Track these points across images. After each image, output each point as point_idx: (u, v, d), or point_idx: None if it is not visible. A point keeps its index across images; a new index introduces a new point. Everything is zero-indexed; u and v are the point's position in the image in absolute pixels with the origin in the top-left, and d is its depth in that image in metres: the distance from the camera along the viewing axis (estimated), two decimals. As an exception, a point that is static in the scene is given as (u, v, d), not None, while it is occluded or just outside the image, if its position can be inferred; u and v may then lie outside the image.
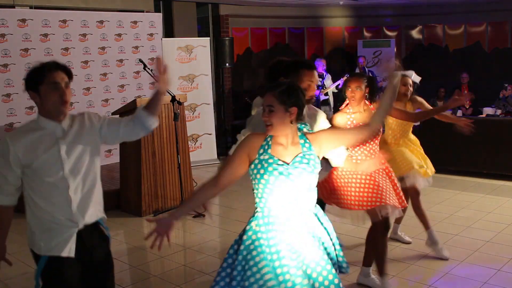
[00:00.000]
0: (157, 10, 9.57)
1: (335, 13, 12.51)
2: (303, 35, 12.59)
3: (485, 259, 4.27)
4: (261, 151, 2.29)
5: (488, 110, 9.66)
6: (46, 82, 2.37)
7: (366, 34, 13.12)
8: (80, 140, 2.45)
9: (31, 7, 7.54)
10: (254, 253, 2.23)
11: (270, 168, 2.25)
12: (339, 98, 9.66)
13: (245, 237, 2.29)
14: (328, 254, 2.32)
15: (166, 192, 6.06)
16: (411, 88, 4.20)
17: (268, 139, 2.32)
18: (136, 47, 7.94)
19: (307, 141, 2.34)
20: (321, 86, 9.05)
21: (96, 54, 7.55)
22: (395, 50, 12.42)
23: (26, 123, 2.51)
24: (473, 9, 11.87)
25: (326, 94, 9.23)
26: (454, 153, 7.08)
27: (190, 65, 8.37)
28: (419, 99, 4.46)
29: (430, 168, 4.42)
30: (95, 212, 2.51)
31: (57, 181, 2.38)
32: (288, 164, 2.26)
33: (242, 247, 2.27)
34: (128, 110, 5.94)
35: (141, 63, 5.93)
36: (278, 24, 12.13)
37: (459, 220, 5.28)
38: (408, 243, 4.64)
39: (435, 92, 10.30)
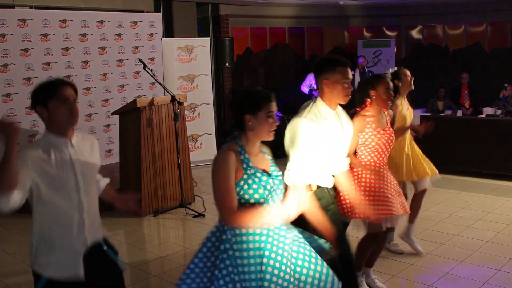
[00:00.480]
0: (157, 10, 9.57)
1: (335, 13, 12.52)
2: (303, 35, 12.59)
3: (485, 259, 4.27)
4: (244, 166, 2.28)
5: (488, 110, 9.67)
6: (56, 97, 2.37)
7: (366, 34, 13.13)
8: (89, 160, 2.48)
9: (31, 7, 7.55)
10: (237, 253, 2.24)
11: (262, 183, 2.27)
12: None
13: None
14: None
15: (166, 192, 6.05)
16: (392, 93, 3.69)
17: (242, 151, 2.32)
18: (136, 47, 7.94)
19: (266, 152, 2.45)
20: None
21: (96, 54, 7.55)
22: (395, 50, 12.42)
23: (36, 141, 2.47)
24: (473, 9, 11.88)
25: None
26: (454, 153, 7.08)
27: (190, 65, 8.37)
28: (397, 108, 4.21)
29: (431, 169, 4.43)
30: (100, 233, 2.53)
31: (72, 203, 2.36)
32: (270, 174, 2.32)
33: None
34: (128, 110, 5.95)
35: (141, 63, 5.93)
36: (278, 24, 12.13)
37: (459, 220, 5.28)
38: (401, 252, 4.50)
39: (435, 92, 10.30)
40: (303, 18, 12.32)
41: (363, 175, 3.49)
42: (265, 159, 2.38)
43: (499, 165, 6.85)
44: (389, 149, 3.58)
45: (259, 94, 2.35)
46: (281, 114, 9.13)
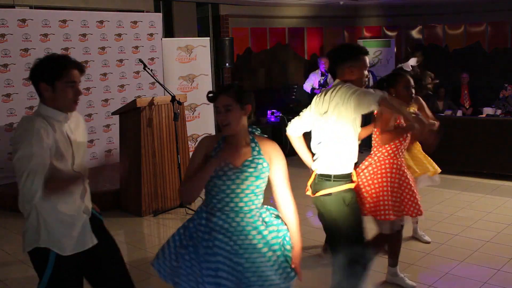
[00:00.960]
0: (157, 10, 9.56)
1: (336, 13, 12.51)
2: (303, 35, 12.59)
3: (485, 259, 4.27)
4: (213, 153, 2.40)
5: (488, 110, 9.66)
6: (64, 79, 2.37)
7: (366, 34, 13.12)
8: (79, 135, 2.55)
9: (31, 7, 7.54)
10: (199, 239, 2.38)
11: (220, 172, 2.35)
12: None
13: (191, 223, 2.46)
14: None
15: (166, 192, 6.06)
16: (413, 90, 3.78)
17: (221, 141, 2.43)
18: (136, 47, 7.94)
19: (258, 145, 2.44)
20: (324, 85, 9.04)
21: (96, 54, 7.55)
22: (395, 50, 12.42)
23: (34, 114, 2.52)
24: (473, 9, 11.87)
25: None
26: (454, 153, 7.08)
27: (190, 65, 8.37)
28: (421, 100, 4.35)
29: (434, 167, 4.45)
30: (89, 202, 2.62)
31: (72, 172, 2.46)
32: (238, 167, 2.35)
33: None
34: (128, 110, 5.95)
35: (141, 63, 5.93)
36: (278, 24, 12.13)
37: (459, 220, 5.28)
38: (427, 242, 4.63)
39: (435, 92, 10.30)
40: (303, 18, 12.31)
41: (380, 171, 3.49)
42: (244, 154, 2.40)
43: (499, 165, 6.85)
44: (405, 147, 3.58)
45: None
46: (281, 114, 9.15)
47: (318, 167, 3.09)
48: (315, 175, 3.11)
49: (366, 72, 3.07)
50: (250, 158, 2.39)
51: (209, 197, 2.43)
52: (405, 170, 3.58)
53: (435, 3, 12.08)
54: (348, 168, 3.07)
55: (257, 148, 2.43)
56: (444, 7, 12.19)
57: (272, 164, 2.45)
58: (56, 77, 2.35)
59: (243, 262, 2.30)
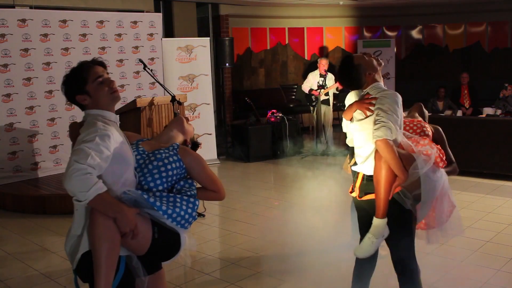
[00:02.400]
0: (157, 10, 9.58)
1: (335, 13, 12.52)
2: (303, 35, 12.60)
3: (485, 259, 4.27)
4: (135, 142, 2.64)
5: (488, 110, 9.66)
6: (90, 80, 2.40)
7: (366, 34, 13.13)
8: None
9: (31, 7, 7.55)
10: None
11: (134, 153, 2.55)
12: (339, 98, 9.67)
13: None
14: None
15: (166, 192, 6.05)
16: None
17: (150, 139, 2.73)
18: (136, 47, 7.94)
19: (178, 147, 2.63)
20: (323, 86, 9.01)
21: (96, 54, 7.55)
22: (395, 50, 12.42)
23: (91, 120, 2.37)
24: (473, 9, 11.89)
25: (327, 94, 9.20)
26: (454, 153, 7.07)
27: (190, 65, 8.37)
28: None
29: None
30: None
31: (132, 175, 2.43)
32: (148, 152, 2.57)
33: None
34: (128, 110, 5.95)
35: (141, 63, 5.92)
36: (278, 24, 12.14)
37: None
38: None
39: (435, 92, 10.30)
40: (303, 18, 12.32)
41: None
42: (159, 146, 2.65)
43: (499, 165, 6.85)
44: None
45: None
46: (281, 114, 9.15)
47: (366, 169, 2.98)
48: (363, 176, 2.99)
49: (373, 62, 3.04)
50: (162, 149, 2.61)
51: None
52: None
53: (435, 3, 12.09)
54: None
55: (174, 147, 2.64)
56: (444, 7, 12.20)
57: (187, 167, 2.62)
58: (83, 84, 2.39)
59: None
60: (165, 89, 6.23)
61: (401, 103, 2.90)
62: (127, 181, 2.38)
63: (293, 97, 12.04)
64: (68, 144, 7.30)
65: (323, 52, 12.75)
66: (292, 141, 8.78)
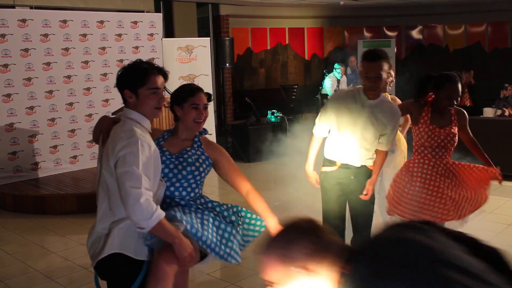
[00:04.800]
0: (157, 10, 9.57)
1: (336, 13, 12.52)
2: (303, 35, 12.60)
3: (485, 259, 4.27)
4: (156, 142, 2.53)
5: (488, 110, 9.65)
6: (146, 86, 2.38)
7: (366, 34, 13.13)
8: None
9: (31, 7, 7.55)
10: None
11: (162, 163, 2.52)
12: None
13: None
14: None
15: (166, 192, 6.05)
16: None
17: (166, 133, 2.64)
18: (136, 47, 7.94)
19: (200, 141, 2.62)
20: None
21: (96, 54, 7.55)
22: (395, 50, 12.42)
23: (127, 123, 2.37)
24: (473, 9, 11.88)
25: None
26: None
27: (190, 65, 8.37)
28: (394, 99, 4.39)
29: None
30: None
31: (162, 191, 2.47)
32: (173, 154, 2.53)
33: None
34: (128, 110, 5.95)
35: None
36: (278, 24, 12.14)
37: (458, 221, 5.27)
38: None
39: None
40: (303, 18, 12.32)
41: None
42: (183, 145, 2.58)
43: (500, 165, 6.84)
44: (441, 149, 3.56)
45: (183, 87, 2.67)
46: (281, 114, 9.14)
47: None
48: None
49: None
50: (188, 148, 2.57)
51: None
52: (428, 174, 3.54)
53: (435, 3, 12.08)
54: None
55: (198, 143, 2.62)
56: (444, 7, 12.19)
57: (214, 161, 2.63)
58: (139, 85, 2.37)
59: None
60: (165, 89, 6.23)
61: None
62: (160, 197, 2.41)
63: (294, 97, 12.04)
64: (68, 144, 7.32)
65: (323, 52, 12.75)
66: (292, 141, 8.78)
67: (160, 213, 2.14)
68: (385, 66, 3.11)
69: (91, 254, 2.37)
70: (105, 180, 2.30)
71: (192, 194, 2.51)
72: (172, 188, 2.48)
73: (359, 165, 3.37)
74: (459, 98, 3.39)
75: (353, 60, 10.57)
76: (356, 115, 3.22)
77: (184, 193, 2.49)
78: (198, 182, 2.55)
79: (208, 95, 2.65)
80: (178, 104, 2.57)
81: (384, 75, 3.12)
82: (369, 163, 3.40)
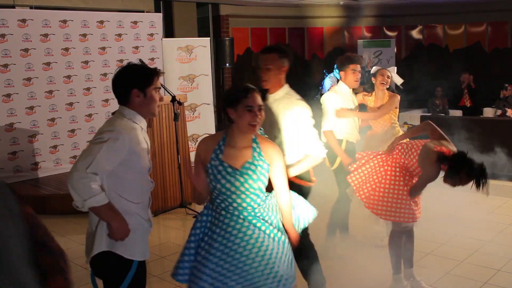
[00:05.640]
0: (157, 10, 9.57)
1: (335, 13, 12.51)
2: (303, 35, 12.59)
3: (485, 259, 4.27)
4: (213, 155, 2.43)
5: (488, 110, 9.66)
6: (153, 86, 2.58)
7: (366, 34, 13.13)
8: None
9: (31, 7, 7.55)
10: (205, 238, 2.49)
11: (219, 176, 2.40)
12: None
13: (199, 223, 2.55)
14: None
15: (166, 192, 6.06)
16: (388, 80, 4.75)
17: (221, 142, 2.46)
18: (137, 47, 7.94)
19: (259, 146, 2.47)
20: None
21: (96, 54, 7.55)
22: (395, 50, 12.42)
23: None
24: (473, 9, 11.87)
25: None
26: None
27: (190, 65, 8.37)
28: (393, 95, 4.79)
29: None
30: None
31: (147, 179, 2.56)
32: (237, 169, 2.40)
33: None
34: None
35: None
36: (278, 24, 12.13)
37: (459, 220, 5.27)
38: None
39: (433, 91, 10.32)
40: (303, 18, 12.32)
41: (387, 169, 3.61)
42: (244, 156, 2.44)
43: (500, 165, 6.84)
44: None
45: (236, 88, 2.51)
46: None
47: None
48: None
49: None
50: (250, 160, 2.43)
51: (213, 195, 2.49)
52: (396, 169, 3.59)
53: (435, 3, 12.08)
54: None
55: (257, 149, 2.47)
56: (444, 7, 12.19)
57: (272, 165, 2.49)
58: (147, 84, 2.54)
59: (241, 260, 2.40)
60: (165, 89, 6.23)
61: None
62: (144, 193, 2.55)
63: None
64: (68, 144, 7.33)
65: (323, 52, 12.75)
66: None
67: (99, 200, 2.27)
68: (277, 60, 3.17)
69: (85, 250, 2.49)
70: None
71: (255, 206, 2.45)
72: (237, 202, 2.41)
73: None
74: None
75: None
76: (266, 114, 3.26)
77: (249, 208, 2.44)
78: (261, 194, 2.48)
79: (262, 93, 2.55)
80: (232, 106, 2.43)
81: (274, 67, 3.16)
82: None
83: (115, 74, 2.62)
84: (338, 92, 4.34)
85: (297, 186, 3.04)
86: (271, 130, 3.12)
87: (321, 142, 3.10)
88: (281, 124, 3.10)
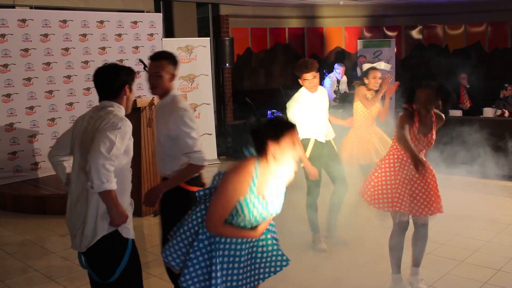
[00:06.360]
0: (157, 10, 9.57)
1: (335, 13, 12.51)
2: (303, 35, 12.59)
3: (485, 259, 4.27)
4: (249, 189, 2.32)
5: (488, 110, 9.65)
6: (133, 84, 2.88)
7: (366, 34, 13.12)
8: None
9: (31, 7, 7.55)
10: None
11: (254, 210, 2.33)
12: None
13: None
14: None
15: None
16: (380, 81, 5.12)
17: (255, 174, 2.33)
18: (136, 47, 7.94)
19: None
20: (338, 92, 9.07)
21: (96, 54, 7.55)
22: (395, 50, 12.42)
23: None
24: (473, 9, 11.88)
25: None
26: (455, 153, 7.07)
27: (190, 65, 8.37)
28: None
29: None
30: None
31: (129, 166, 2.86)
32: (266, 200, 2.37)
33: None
34: (128, 110, 5.95)
35: (141, 63, 5.92)
36: (278, 24, 12.13)
37: (459, 220, 5.27)
38: None
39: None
40: (303, 18, 12.31)
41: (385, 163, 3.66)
42: (272, 185, 2.38)
43: (500, 165, 6.84)
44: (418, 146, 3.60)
45: (282, 121, 2.34)
46: (280, 114, 9.14)
47: None
48: None
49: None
50: (282, 188, 2.46)
51: (233, 218, 2.39)
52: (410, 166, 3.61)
53: (435, 3, 12.08)
54: None
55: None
56: (444, 7, 12.19)
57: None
58: (133, 81, 2.85)
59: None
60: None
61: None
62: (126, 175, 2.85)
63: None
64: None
65: (323, 52, 12.75)
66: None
67: (113, 185, 2.51)
68: (167, 67, 3.20)
69: (76, 241, 2.63)
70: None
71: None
72: (257, 222, 2.43)
73: None
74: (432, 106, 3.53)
75: (362, 60, 10.54)
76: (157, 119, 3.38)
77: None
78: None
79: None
80: (275, 141, 2.26)
81: (165, 74, 3.18)
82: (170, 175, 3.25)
83: (108, 70, 2.78)
84: (299, 99, 4.51)
85: (185, 191, 3.14)
86: (159, 137, 3.31)
87: (202, 151, 3.10)
88: (166, 130, 3.15)
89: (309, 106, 4.48)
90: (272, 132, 2.26)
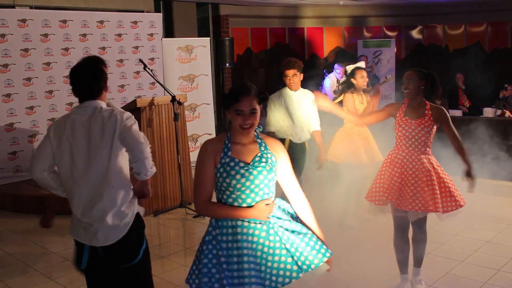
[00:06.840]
0: (157, 10, 9.57)
1: (335, 13, 12.51)
2: (303, 35, 12.59)
3: (485, 259, 4.27)
4: (222, 154, 2.42)
5: (488, 110, 9.64)
6: (233, 107, 2.73)
7: (366, 34, 13.12)
8: None
9: (31, 7, 7.55)
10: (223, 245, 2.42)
11: (232, 172, 2.37)
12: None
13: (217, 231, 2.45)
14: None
15: (166, 192, 6.06)
16: (367, 79, 5.20)
17: (226, 141, 2.45)
18: (136, 47, 7.94)
19: (263, 141, 2.50)
20: (338, 92, 9.06)
21: (97, 54, 7.53)
22: (395, 50, 12.42)
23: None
24: (473, 9, 11.87)
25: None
26: (455, 153, 7.06)
27: (190, 65, 8.37)
28: (375, 96, 5.09)
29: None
30: None
31: None
32: (248, 164, 2.40)
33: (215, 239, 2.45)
34: (128, 110, 5.94)
35: (141, 63, 5.92)
36: (278, 24, 12.13)
37: (459, 220, 5.26)
38: None
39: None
40: (303, 18, 12.31)
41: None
42: (252, 150, 2.45)
43: (500, 165, 6.84)
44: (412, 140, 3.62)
45: (231, 91, 2.48)
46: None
47: None
48: None
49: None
50: (259, 154, 2.44)
51: (223, 196, 2.42)
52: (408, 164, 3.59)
53: (435, 3, 12.08)
54: None
55: (263, 144, 2.49)
56: (444, 7, 12.19)
57: (278, 158, 2.50)
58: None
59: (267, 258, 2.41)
60: (165, 89, 6.23)
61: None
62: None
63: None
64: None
65: (323, 52, 12.75)
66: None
67: (154, 170, 2.83)
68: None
69: (103, 235, 2.65)
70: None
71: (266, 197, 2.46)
72: (251, 197, 2.40)
73: None
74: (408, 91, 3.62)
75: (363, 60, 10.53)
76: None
77: (258, 198, 2.42)
78: (272, 186, 2.47)
79: (261, 97, 2.48)
80: (226, 108, 2.45)
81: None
82: None
83: (90, 69, 2.77)
84: (278, 96, 4.95)
85: None
86: None
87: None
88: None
89: (287, 105, 4.71)
90: (223, 102, 2.51)
